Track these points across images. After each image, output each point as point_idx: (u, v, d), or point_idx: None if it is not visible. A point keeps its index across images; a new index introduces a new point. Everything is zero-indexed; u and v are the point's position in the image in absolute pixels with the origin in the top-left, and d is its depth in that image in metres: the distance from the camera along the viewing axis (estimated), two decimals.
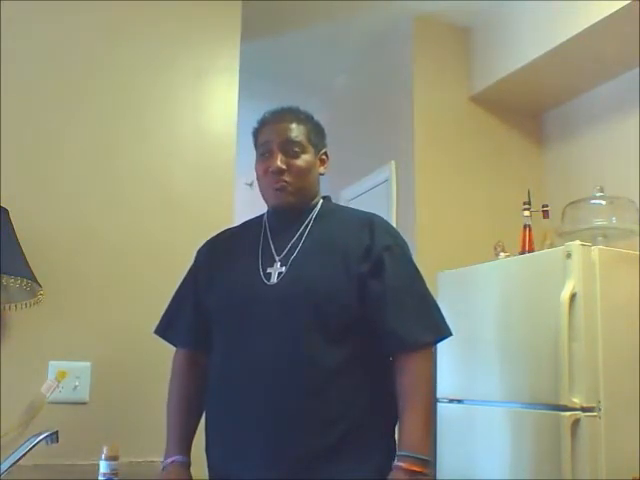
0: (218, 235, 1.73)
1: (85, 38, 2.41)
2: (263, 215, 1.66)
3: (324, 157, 1.63)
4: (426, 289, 1.54)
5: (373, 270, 1.47)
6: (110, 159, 2.37)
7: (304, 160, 1.55)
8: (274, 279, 1.49)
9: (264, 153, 1.56)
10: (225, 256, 1.64)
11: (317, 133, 1.61)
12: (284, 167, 1.53)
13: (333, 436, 1.40)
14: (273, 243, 1.56)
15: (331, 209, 1.64)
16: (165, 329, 1.69)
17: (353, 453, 1.41)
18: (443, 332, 1.51)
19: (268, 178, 1.55)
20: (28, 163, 2.25)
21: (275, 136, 1.55)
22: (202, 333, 1.60)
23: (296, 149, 1.54)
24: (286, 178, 1.53)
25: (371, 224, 1.55)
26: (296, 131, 1.56)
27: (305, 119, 1.60)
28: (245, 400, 1.45)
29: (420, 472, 1.37)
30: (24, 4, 2.31)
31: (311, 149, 1.58)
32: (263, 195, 1.60)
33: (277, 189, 1.54)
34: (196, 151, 2.51)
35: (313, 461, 1.39)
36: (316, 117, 1.64)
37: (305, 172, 1.56)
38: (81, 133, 2.34)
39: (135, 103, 2.44)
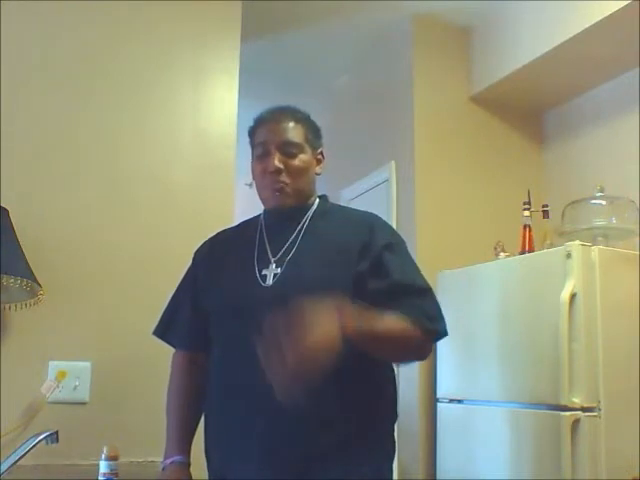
0: (216, 236, 1.72)
1: (85, 38, 2.41)
2: (259, 215, 1.65)
3: (320, 157, 1.62)
4: (428, 285, 1.51)
5: (373, 268, 1.46)
6: (110, 159, 2.36)
7: (301, 160, 1.54)
8: (270, 281, 1.48)
9: (261, 154, 1.55)
10: (222, 257, 1.63)
11: (314, 132, 1.60)
12: (282, 167, 1.51)
13: (332, 437, 1.40)
14: (269, 244, 1.55)
15: (327, 209, 1.63)
16: (164, 331, 1.69)
17: (352, 454, 1.40)
18: (442, 329, 1.47)
19: (266, 179, 1.54)
20: (28, 163, 2.25)
21: (272, 136, 1.54)
22: (201, 334, 1.59)
23: (293, 150, 1.53)
24: (283, 179, 1.52)
25: (369, 223, 1.55)
26: (293, 131, 1.55)
27: (302, 119, 1.59)
28: (244, 401, 1.44)
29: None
30: (24, 4, 2.31)
31: (308, 149, 1.57)
32: (260, 195, 1.59)
33: (275, 190, 1.53)
34: (196, 151, 2.50)
35: (312, 462, 1.39)
36: (316, 117, 1.64)
37: (303, 172, 1.55)
38: (81, 134, 2.34)
39: (135, 103, 2.44)
